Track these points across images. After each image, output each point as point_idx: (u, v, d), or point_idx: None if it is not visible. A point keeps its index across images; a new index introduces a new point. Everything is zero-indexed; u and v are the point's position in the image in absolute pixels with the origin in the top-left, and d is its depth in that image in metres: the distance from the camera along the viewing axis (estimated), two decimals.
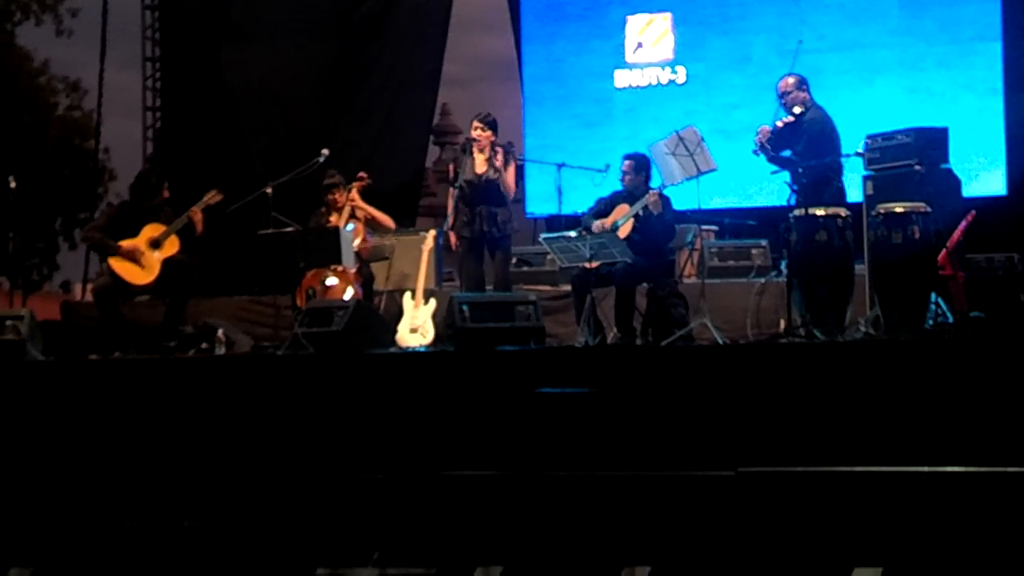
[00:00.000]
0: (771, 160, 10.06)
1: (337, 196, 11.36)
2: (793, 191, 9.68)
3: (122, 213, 11.13)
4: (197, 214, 10.78)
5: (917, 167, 9.88)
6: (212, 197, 10.97)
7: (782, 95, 10.09)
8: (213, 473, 7.33)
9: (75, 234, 27.02)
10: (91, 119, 25.27)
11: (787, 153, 9.99)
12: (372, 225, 11.44)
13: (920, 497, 6.16)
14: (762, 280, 11.06)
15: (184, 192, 11.47)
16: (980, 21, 14.23)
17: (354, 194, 11.35)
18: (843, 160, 9.98)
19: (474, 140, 10.90)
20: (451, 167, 11.22)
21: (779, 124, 9.96)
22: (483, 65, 33.89)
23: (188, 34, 16.81)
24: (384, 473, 7.04)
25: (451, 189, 11.08)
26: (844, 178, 9.98)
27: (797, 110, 9.96)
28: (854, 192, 10.20)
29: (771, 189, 9.95)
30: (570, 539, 6.64)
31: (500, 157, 10.82)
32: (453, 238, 10.94)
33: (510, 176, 10.91)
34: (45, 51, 28.74)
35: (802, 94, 10.05)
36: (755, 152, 10.02)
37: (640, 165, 10.60)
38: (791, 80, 10.12)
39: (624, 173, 10.64)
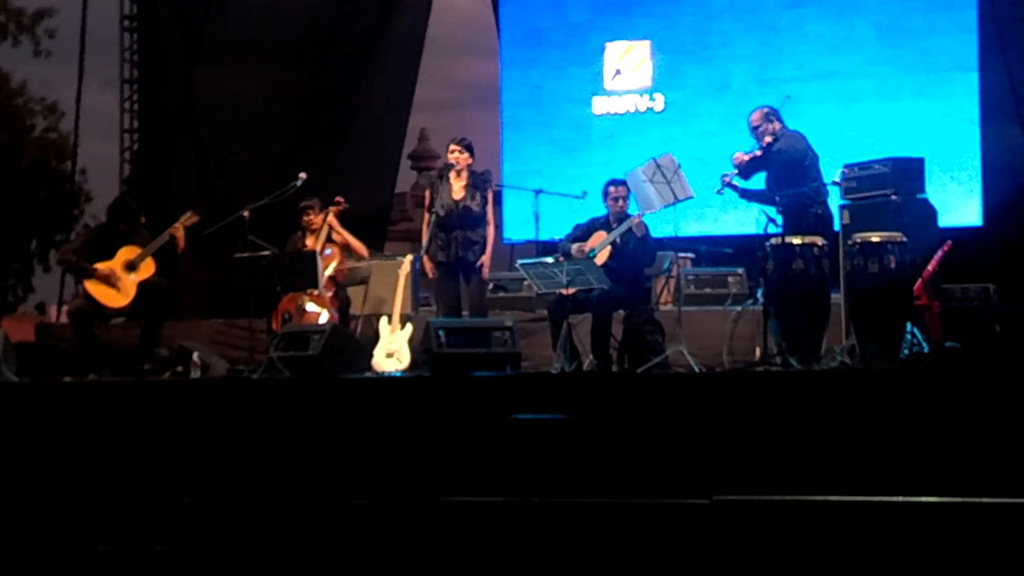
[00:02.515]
0: (742, 195, 10.10)
1: (313, 218, 11.38)
2: (770, 220, 9.70)
3: (98, 236, 11.11)
4: (180, 231, 10.78)
5: (893, 197, 9.92)
6: (188, 219, 10.97)
7: (753, 128, 10.15)
8: (187, 497, 7.30)
9: (51, 256, 26.93)
10: (68, 141, 25.22)
11: (760, 186, 10.03)
12: (347, 251, 11.46)
13: (896, 527, 6.17)
14: (738, 308, 11.07)
15: (160, 214, 11.45)
16: (957, 52, 14.31)
17: (331, 218, 11.36)
18: (821, 189, 9.99)
19: (451, 165, 10.91)
20: (427, 193, 11.22)
21: (745, 158, 10.03)
22: (463, 90, 33.90)
23: (166, 56, 16.81)
24: (359, 498, 7.03)
25: (426, 215, 11.09)
26: (821, 207, 9.98)
27: (767, 140, 10.01)
28: (832, 221, 10.22)
29: (747, 217, 9.97)
30: (544, 566, 6.63)
31: (491, 203, 10.90)
32: (428, 264, 10.94)
33: (490, 210, 10.96)
34: (22, 72, 28.69)
35: (771, 126, 10.09)
36: (718, 191, 10.08)
37: (628, 192, 10.65)
38: (759, 113, 10.18)
39: (618, 198, 10.65)
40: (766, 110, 10.16)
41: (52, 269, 26.29)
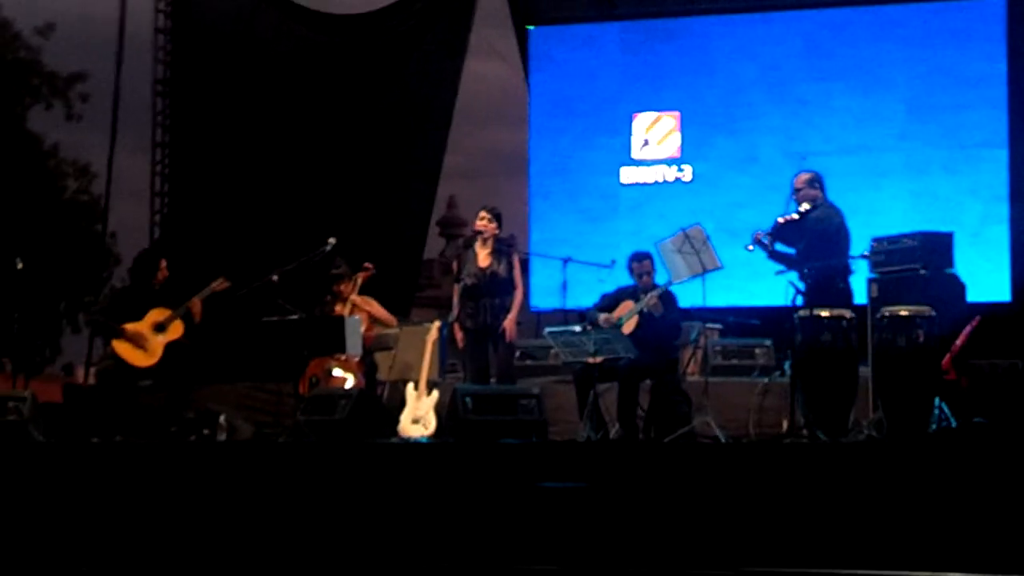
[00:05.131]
0: (770, 256, 10.05)
1: (343, 287, 11.42)
2: (798, 292, 9.68)
3: (127, 296, 11.15)
4: (196, 304, 10.79)
5: (922, 271, 9.91)
6: (219, 284, 10.99)
7: (795, 191, 10.08)
8: (210, 558, 7.30)
9: (79, 317, 27.03)
10: (99, 203, 25.38)
11: (791, 251, 10.01)
12: (375, 320, 11.48)
13: None
14: (766, 380, 11.06)
15: (190, 278, 11.49)
16: (986, 127, 14.36)
17: (354, 296, 11.39)
18: (850, 262, 9.98)
19: (478, 232, 10.96)
20: (455, 262, 11.27)
21: (781, 220, 9.97)
22: (492, 158, 34.08)
23: (198, 121, 16.96)
24: (382, 564, 7.02)
25: (455, 284, 11.12)
26: (851, 280, 9.98)
27: (804, 207, 9.94)
28: (860, 295, 10.20)
29: (776, 289, 9.95)
30: None
31: (517, 267, 10.92)
32: (458, 331, 10.96)
33: (518, 276, 10.98)
34: (55, 135, 28.84)
35: (813, 192, 10.03)
36: (747, 248, 10.00)
37: (653, 264, 10.66)
38: (804, 176, 10.10)
39: (642, 274, 10.65)
40: (812, 176, 10.09)
41: (80, 330, 26.42)
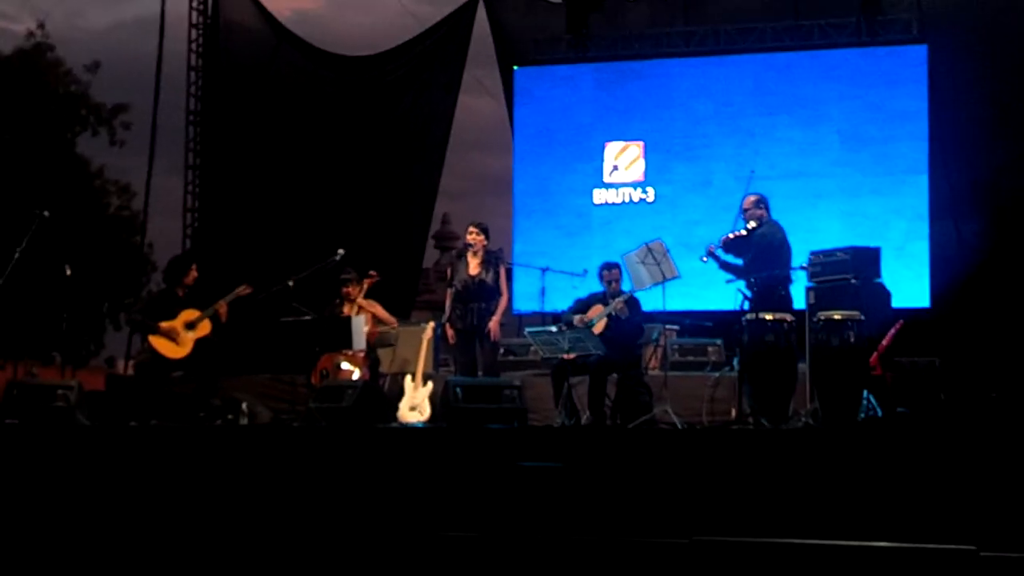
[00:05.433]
0: (721, 267, 10.06)
1: (351, 290, 11.43)
2: (746, 298, 9.70)
3: (162, 299, 11.12)
4: (223, 307, 10.74)
5: (853, 281, 9.93)
6: (243, 290, 10.96)
7: (743, 210, 10.10)
8: (232, 526, 7.28)
9: (120, 317, 26.96)
10: (138, 218, 25.30)
11: (739, 261, 10.02)
12: (377, 319, 11.48)
13: (848, 568, 6.14)
14: (717, 374, 11.08)
15: (217, 283, 11.47)
16: (910, 156, 14.42)
17: (360, 300, 11.39)
18: (791, 273, 9.99)
19: (469, 245, 10.96)
20: (448, 270, 11.30)
21: (731, 236, 9.99)
22: (481, 180, 34.09)
23: (225, 147, 16.95)
24: (381, 530, 7.01)
25: (448, 289, 11.12)
26: (791, 288, 9.99)
27: (751, 225, 9.97)
28: (799, 301, 10.22)
29: (726, 295, 9.97)
30: None
31: (503, 277, 10.89)
32: (449, 330, 10.96)
33: (504, 283, 10.96)
34: (100, 159, 28.76)
35: (759, 211, 10.05)
36: (702, 259, 10.00)
37: (620, 273, 10.68)
38: (752, 198, 10.12)
39: (611, 281, 10.67)
40: (758, 198, 10.10)
41: (121, 328, 26.33)
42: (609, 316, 10.46)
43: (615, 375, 10.50)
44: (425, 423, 10.63)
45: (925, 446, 6.86)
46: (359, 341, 10.88)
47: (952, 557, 5.98)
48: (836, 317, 9.45)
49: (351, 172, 16.85)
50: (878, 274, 10.18)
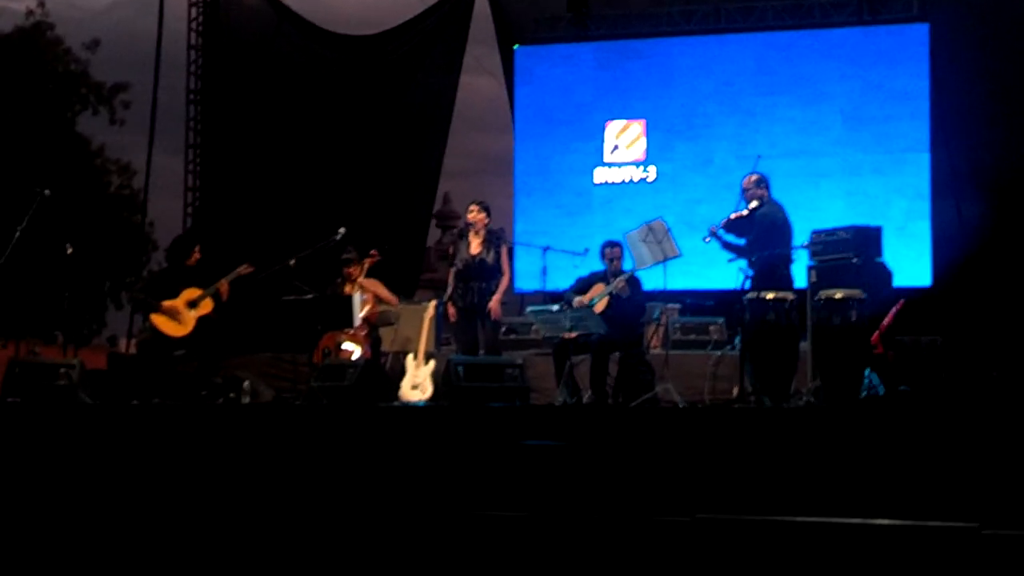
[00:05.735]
0: (723, 247, 10.06)
1: (352, 269, 11.42)
2: (747, 277, 9.70)
3: (163, 277, 11.11)
4: (224, 286, 10.73)
5: (855, 260, 9.92)
6: (244, 269, 10.95)
7: (744, 190, 10.09)
8: (234, 503, 7.29)
9: (122, 296, 26.97)
10: (138, 196, 25.34)
11: (741, 241, 10.01)
12: (378, 298, 11.46)
13: (852, 545, 6.15)
14: (718, 353, 11.06)
15: (219, 262, 11.47)
16: (911, 135, 14.41)
17: (361, 279, 11.37)
18: (792, 252, 9.99)
19: (471, 224, 10.94)
20: (450, 249, 11.28)
21: (732, 216, 9.98)
22: (482, 160, 34.06)
23: (225, 126, 16.94)
24: (382, 509, 7.02)
25: (450, 268, 11.12)
26: (792, 267, 9.99)
27: (753, 205, 9.96)
28: (800, 279, 10.21)
29: (728, 274, 9.97)
30: (543, 574, 6.61)
31: (504, 256, 10.86)
32: (451, 309, 10.95)
33: (505, 262, 10.94)
34: (101, 137, 28.80)
35: (760, 191, 10.03)
36: (704, 239, 9.99)
37: (622, 252, 10.68)
38: (753, 178, 10.10)
39: (613, 258, 10.68)
40: (759, 177, 10.09)
41: (122, 307, 26.35)
42: (610, 295, 10.46)
43: (617, 354, 10.50)
44: (427, 402, 10.63)
45: (926, 424, 6.86)
46: (357, 318, 10.89)
47: (954, 535, 5.99)
48: (837, 296, 9.44)
49: (352, 151, 16.84)
50: (879, 253, 10.16)
